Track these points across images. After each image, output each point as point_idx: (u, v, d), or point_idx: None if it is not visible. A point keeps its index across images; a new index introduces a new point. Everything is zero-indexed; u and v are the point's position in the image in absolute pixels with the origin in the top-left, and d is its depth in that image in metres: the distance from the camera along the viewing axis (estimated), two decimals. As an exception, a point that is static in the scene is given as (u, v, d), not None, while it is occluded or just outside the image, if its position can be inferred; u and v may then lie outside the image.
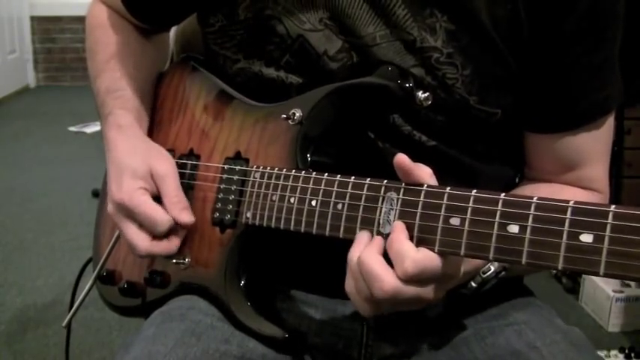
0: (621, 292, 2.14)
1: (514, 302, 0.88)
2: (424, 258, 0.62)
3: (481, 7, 0.74)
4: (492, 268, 0.76)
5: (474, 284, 0.77)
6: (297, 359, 0.80)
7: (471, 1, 0.74)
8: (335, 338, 0.87)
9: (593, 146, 0.82)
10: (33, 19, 5.95)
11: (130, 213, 0.82)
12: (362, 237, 0.67)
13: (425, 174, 0.65)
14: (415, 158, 0.81)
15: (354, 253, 0.66)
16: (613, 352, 1.99)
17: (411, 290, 0.63)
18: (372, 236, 0.67)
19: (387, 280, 0.62)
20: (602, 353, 1.97)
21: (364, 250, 0.65)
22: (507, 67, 0.77)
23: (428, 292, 0.64)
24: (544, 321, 0.84)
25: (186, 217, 0.82)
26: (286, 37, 0.82)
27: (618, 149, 2.35)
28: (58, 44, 6.02)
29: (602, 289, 2.19)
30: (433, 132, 0.80)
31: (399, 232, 0.64)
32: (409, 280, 0.62)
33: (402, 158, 0.65)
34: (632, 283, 2.20)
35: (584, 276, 2.26)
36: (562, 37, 0.75)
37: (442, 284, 0.65)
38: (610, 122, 0.83)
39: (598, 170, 0.84)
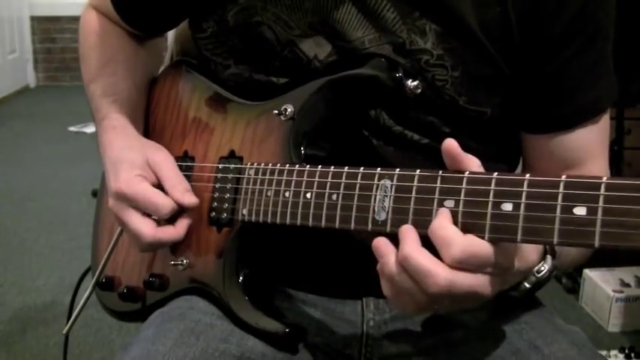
0: (621, 292, 2.14)
1: (514, 302, 0.88)
2: (472, 243, 0.58)
3: (468, 11, 0.75)
4: (546, 267, 0.73)
5: (527, 285, 0.74)
6: (294, 354, 0.80)
7: (457, 4, 0.74)
8: (335, 337, 0.87)
9: (590, 144, 0.82)
10: (33, 19, 5.96)
11: (131, 201, 0.81)
12: (383, 245, 0.63)
13: (473, 164, 0.62)
14: (408, 155, 0.81)
15: (388, 257, 0.62)
16: (613, 352, 1.99)
17: (466, 280, 0.58)
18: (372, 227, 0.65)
19: (440, 272, 0.58)
20: (602, 353, 1.97)
21: (405, 247, 0.61)
22: (497, 68, 0.77)
23: (482, 283, 0.59)
24: (544, 321, 0.83)
25: (190, 198, 0.82)
26: (276, 44, 0.82)
27: (618, 149, 2.36)
28: (58, 44, 6.03)
29: (602, 289, 2.19)
30: (425, 131, 0.80)
31: (442, 217, 0.60)
32: (459, 266, 0.58)
33: (450, 143, 0.62)
34: (632, 283, 2.20)
35: (584, 276, 2.26)
36: (553, 38, 0.75)
37: (496, 276, 0.60)
38: (606, 120, 0.83)
39: (599, 167, 0.84)
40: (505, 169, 0.88)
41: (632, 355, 1.97)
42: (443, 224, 0.60)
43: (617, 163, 2.37)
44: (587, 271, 2.26)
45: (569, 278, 2.38)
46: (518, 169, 0.91)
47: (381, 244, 0.63)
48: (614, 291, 2.15)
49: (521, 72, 0.78)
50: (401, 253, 0.61)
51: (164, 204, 0.80)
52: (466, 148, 0.82)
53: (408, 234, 0.62)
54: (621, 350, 1.98)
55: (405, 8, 0.76)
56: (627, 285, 2.19)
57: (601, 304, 2.19)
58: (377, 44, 0.78)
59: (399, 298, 0.64)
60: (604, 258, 2.26)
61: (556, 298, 2.33)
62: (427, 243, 0.61)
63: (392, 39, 0.77)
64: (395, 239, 0.63)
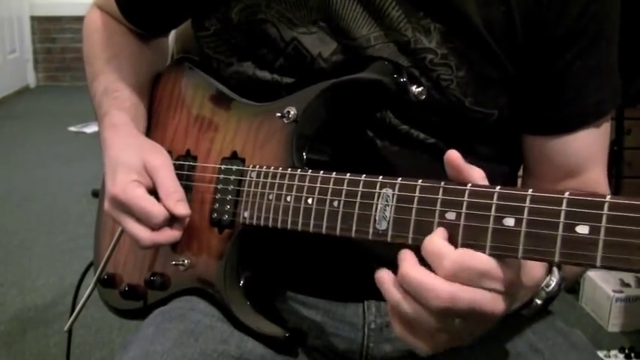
0: (621, 292, 2.14)
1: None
2: (464, 255, 0.57)
3: (472, 10, 0.74)
4: (554, 280, 0.72)
5: (538, 301, 0.72)
6: (294, 357, 0.80)
7: (461, 3, 0.74)
8: (335, 340, 0.87)
9: (590, 149, 0.82)
10: (33, 19, 5.96)
11: (125, 207, 0.81)
12: (385, 275, 0.62)
13: (476, 176, 0.61)
14: (414, 154, 0.81)
15: (390, 285, 0.61)
16: (613, 352, 1.99)
17: (467, 293, 0.56)
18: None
19: (439, 285, 0.57)
20: (602, 353, 1.97)
21: (402, 268, 0.59)
22: (502, 68, 0.77)
23: (486, 298, 0.57)
24: (546, 323, 0.83)
25: (182, 208, 0.81)
26: (279, 41, 0.82)
27: (618, 149, 2.35)
28: (58, 44, 6.02)
29: (602, 289, 2.19)
30: (431, 130, 0.80)
31: (434, 234, 0.59)
32: (455, 278, 0.57)
33: (453, 155, 0.61)
34: (632, 283, 2.20)
35: (584, 276, 2.26)
36: (556, 38, 0.75)
37: (500, 293, 0.58)
38: (607, 126, 0.83)
39: (599, 174, 0.84)
40: (507, 171, 0.88)
41: (632, 355, 1.97)
42: (433, 239, 0.59)
43: (617, 163, 2.37)
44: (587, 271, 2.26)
45: (569, 278, 2.38)
46: (520, 172, 0.91)
47: (384, 274, 0.62)
48: (614, 291, 2.15)
49: (525, 72, 0.77)
50: (399, 274, 0.60)
51: (157, 213, 0.80)
52: (471, 150, 0.82)
53: (406, 256, 0.60)
54: (621, 350, 1.98)
55: (410, 7, 0.76)
56: (627, 285, 2.19)
57: (601, 304, 2.19)
58: (382, 42, 0.78)
59: (409, 330, 0.61)
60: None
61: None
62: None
63: (397, 37, 0.77)
64: (396, 248, 0.62)
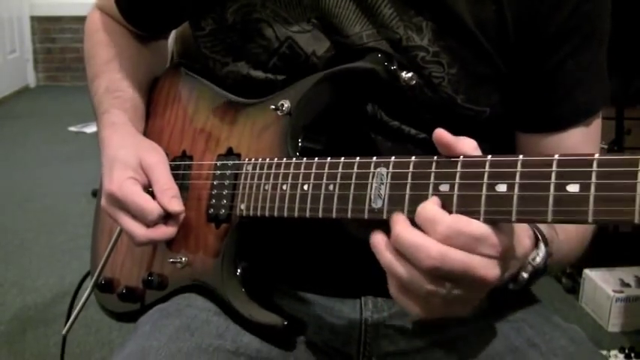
0: (621, 292, 2.15)
1: (511, 299, 0.88)
2: (458, 220, 0.58)
3: (464, 9, 0.75)
4: (540, 254, 0.71)
5: (525, 275, 0.70)
6: (291, 350, 0.80)
7: (453, 3, 0.75)
8: (333, 336, 0.87)
9: (584, 146, 0.82)
10: (33, 19, 5.96)
11: (121, 204, 0.82)
12: (380, 239, 0.63)
13: (468, 147, 0.61)
14: (407, 149, 0.81)
15: (384, 253, 0.62)
16: (613, 352, 1.99)
17: (459, 255, 0.57)
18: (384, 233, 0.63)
19: (431, 245, 0.57)
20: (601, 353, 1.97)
21: (394, 229, 0.60)
22: (494, 66, 0.78)
23: (479, 263, 0.57)
24: (542, 318, 0.84)
25: (176, 205, 0.82)
26: (274, 40, 0.82)
27: (618, 149, 2.35)
28: (58, 44, 6.03)
29: (602, 289, 2.19)
30: (422, 126, 0.81)
31: (428, 201, 0.60)
32: (449, 243, 0.57)
33: (441, 133, 0.62)
34: (632, 283, 2.20)
35: (584, 276, 2.26)
36: (548, 37, 0.76)
37: (494, 259, 0.58)
38: (597, 124, 0.83)
39: None
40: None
41: (632, 355, 1.97)
42: (427, 206, 0.60)
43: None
44: (587, 271, 2.26)
45: (569, 278, 2.38)
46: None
47: (378, 238, 0.63)
48: (614, 291, 2.15)
49: (517, 70, 0.78)
50: (392, 235, 0.61)
51: (151, 210, 0.80)
52: None
53: (398, 218, 0.62)
54: (621, 350, 1.98)
55: (402, 5, 0.77)
56: (627, 285, 2.19)
57: (601, 304, 2.19)
58: (374, 40, 0.78)
59: (403, 293, 0.62)
60: (604, 258, 2.26)
61: (556, 298, 2.33)
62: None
63: (389, 35, 0.78)
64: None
